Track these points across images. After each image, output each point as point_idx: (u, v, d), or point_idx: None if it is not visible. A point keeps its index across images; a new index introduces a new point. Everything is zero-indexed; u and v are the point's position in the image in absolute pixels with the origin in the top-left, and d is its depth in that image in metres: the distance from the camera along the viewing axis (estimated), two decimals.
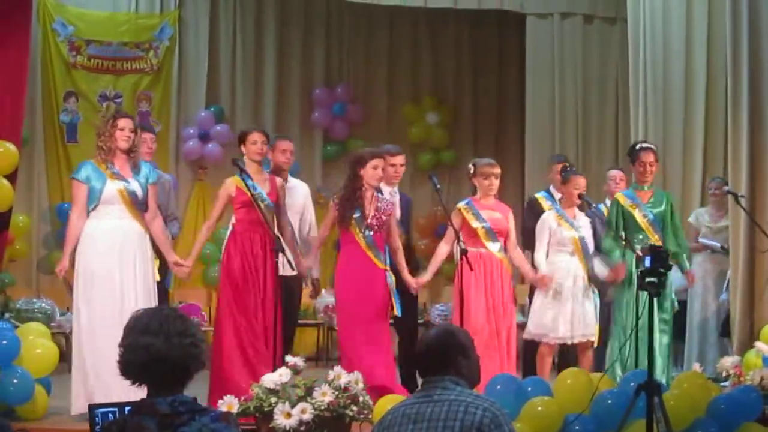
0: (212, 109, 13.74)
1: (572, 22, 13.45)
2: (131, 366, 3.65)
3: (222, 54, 13.96)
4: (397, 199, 9.31)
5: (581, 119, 13.37)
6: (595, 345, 9.11)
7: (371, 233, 8.43)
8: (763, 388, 8.00)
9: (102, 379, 7.70)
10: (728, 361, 8.71)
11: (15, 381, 7.96)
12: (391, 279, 8.48)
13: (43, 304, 11.62)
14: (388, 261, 8.53)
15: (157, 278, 8.48)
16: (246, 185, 8.33)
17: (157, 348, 3.60)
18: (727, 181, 10.30)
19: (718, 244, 10.69)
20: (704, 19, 11.00)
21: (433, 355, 4.27)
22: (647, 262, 6.19)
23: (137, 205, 8.05)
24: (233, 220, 8.59)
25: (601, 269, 9.20)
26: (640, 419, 6.13)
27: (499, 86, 15.13)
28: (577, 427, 6.81)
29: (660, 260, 6.16)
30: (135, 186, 8.04)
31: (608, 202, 9.89)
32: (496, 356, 8.63)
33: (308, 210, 9.33)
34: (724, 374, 8.65)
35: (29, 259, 12.88)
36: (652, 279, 6.15)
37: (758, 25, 10.13)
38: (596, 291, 9.12)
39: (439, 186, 9.38)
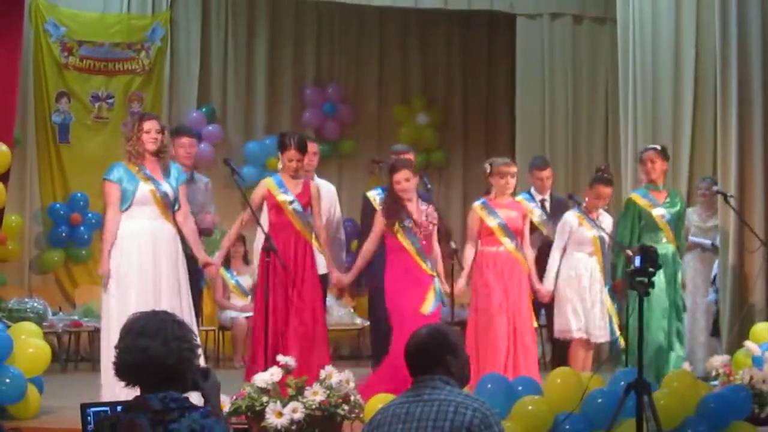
0: (203, 109, 13.75)
1: (562, 23, 13.46)
2: (127, 367, 3.68)
3: (213, 54, 13.96)
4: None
5: (571, 119, 13.39)
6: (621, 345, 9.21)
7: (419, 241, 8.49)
8: (752, 387, 8.04)
9: None
10: (718, 361, 8.73)
11: (7, 380, 7.96)
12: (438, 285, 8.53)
13: (35, 304, 11.61)
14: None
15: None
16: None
17: (155, 351, 3.63)
18: (717, 181, 10.35)
19: (709, 242, 10.74)
20: (693, 19, 11.03)
21: (423, 354, 4.26)
22: (637, 262, 6.22)
23: (169, 206, 8.06)
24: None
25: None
26: (630, 418, 6.16)
27: (489, 87, 15.15)
28: (567, 426, 6.84)
29: (650, 260, 6.19)
30: (166, 187, 8.04)
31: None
32: (512, 353, 8.65)
33: (335, 210, 9.36)
34: (713, 373, 8.68)
35: (21, 259, 12.87)
36: (642, 278, 6.18)
37: (747, 25, 10.18)
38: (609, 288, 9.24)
39: (430, 186, 9.42)
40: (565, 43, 13.43)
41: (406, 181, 8.47)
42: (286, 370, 7.48)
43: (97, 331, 11.76)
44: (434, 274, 8.51)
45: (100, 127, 13.26)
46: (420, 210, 8.54)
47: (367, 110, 14.79)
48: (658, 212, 9.29)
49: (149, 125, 8.02)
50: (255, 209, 8.48)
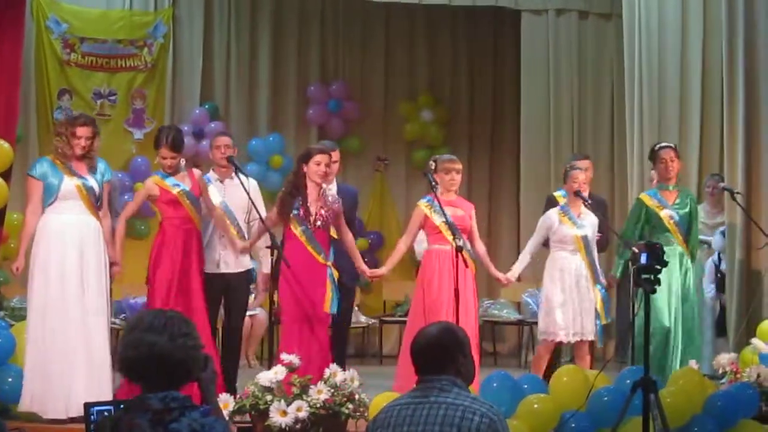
0: (206, 106, 13.71)
1: (567, 19, 13.43)
2: (131, 362, 3.65)
3: (216, 51, 13.92)
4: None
5: (576, 115, 13.36)
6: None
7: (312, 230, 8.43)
8: (759, 384, 8.01)
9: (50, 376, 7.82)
10: (725, 358, 8.70)
11: (9, 379, 7.96)
12: (331, 274, 8.47)
13: None
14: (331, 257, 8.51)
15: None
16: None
17: (162, 346, 3.61)
18: (724, 178, 10.31)
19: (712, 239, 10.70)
20: (700, 15, 10.99)
21: (434, 353, 4.22)
22: (643, 259, 6.18)
23: (94, 201, 8.10)
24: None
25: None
26: (637, 416, 6.13)
27: (494, 83, 15.10)
28: (573, 425, 6.82)
29: (656, 257, 6.15)
30: (92, 182, 8.10)
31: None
32: None
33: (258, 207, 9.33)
34: (720, 371, 8.64)
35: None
36: (648, 275, 6.14)
37: (754, 20, 10.14)
38: (602, 286, 9.17)
39: (434, 183, 9.37)
40: (571, 39, 13.41)
41: (316, 165, 8.44)
42: (291, 368, 7.45)
43: None
44: (328, 263, 8.45)
45: (103, 124, 13.14)
46: (321, 197, 8.51)
47: (372, 107, 14.74)
48: (666, 213, 9.24)
49: (82, 132, 8.08)
50: (134, 211, 8.79)
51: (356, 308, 12.95)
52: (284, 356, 7.57)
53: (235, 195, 8.93)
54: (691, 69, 11.03)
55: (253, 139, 13.84)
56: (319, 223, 8.38)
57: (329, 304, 8.36)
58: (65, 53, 13.01)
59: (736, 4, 10.17)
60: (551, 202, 9.85)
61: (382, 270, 9.02)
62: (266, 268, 8.85)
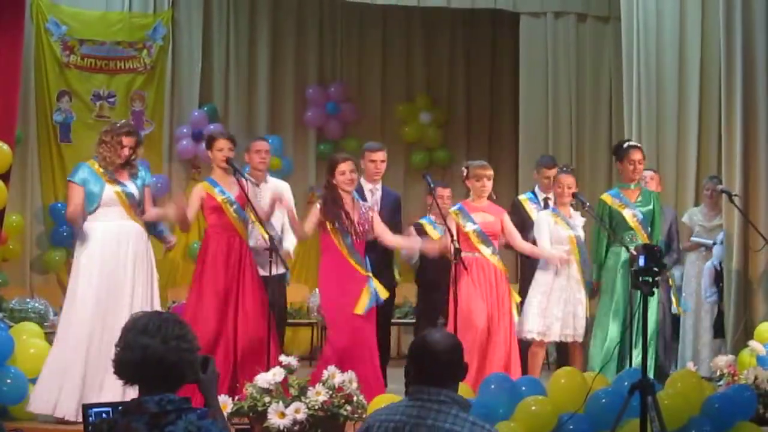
0: (205, 108, 13.71)
1: (565, 21, 13.43)
2: (126, 365, 3.66)
3: (215, 53, 13.93)
4: (378, 196, 9.36)
5: (575, 118, 13.36)
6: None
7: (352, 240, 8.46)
8: (757, 387, 8.01)
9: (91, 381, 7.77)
10: (722, 360, 8.71)
11: (8, 381, 7.95)
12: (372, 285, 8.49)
13: (37, 304, 11.60)
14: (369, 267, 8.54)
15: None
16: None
17: (154, 349, 3.61)
18: (722, 180, 10.32)
19: (711, 242, 10.69)
20: (698, 18, 11.00)
21: (441, 366, 4.03)
22: (641, 261, 6.18)
23: (135, 206, 8.14)
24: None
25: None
26: (634, 418, 6.13)
27: (492, 85, 15.12)
28: (571, 427, 6.81)
29: (654, 259, 6.15)
30: (132, 188, 8.14)
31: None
32: (494, 359, 8.64)
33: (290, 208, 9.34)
34: (718, 373, 8.65)
35: (22, 259, 12.85)
36: (646, 278, 6.14)
37: (752, 23, 10.14)
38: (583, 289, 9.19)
39: (433, 185, 9.40)
40: (569, 41, 13.40)
41: (341, 174, 8.48)
42: (289, 370, 7.46)
43: None
44: (369, 274, 8.47)
45: (102, 126, 13.14)
46: (356, 206, 8.56)
47: (370, 109, 14.75)
48: (628, 212, 9.20)
49: (128, 141, 8.12)
50: (192, 217, 8.69)
51: None
52: (282, 358, 7.57)
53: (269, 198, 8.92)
54: (688, 71, 11.04)
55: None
56: (359, 233, 8.45)
57: (362, 306, 8.36)
58: (64, 55, 13.02)
59: (734, 7, 10.17)
60: (516, 206, 9.97)
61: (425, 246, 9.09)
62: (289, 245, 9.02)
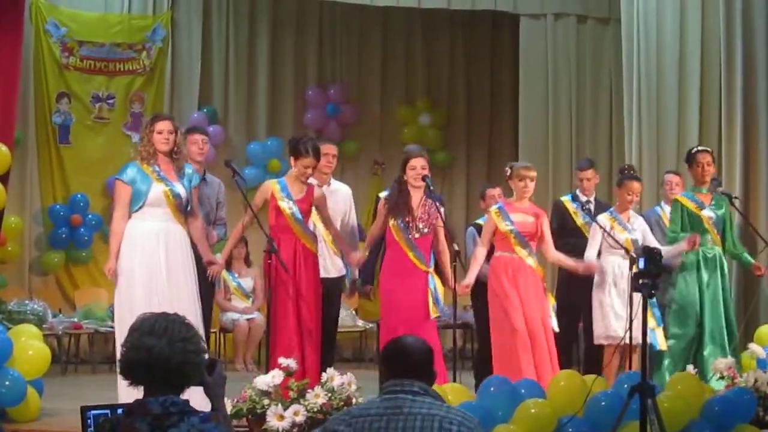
0: (205, 110, 13.71)
1: (565, 23, 13.42)
2: (131, 365, 3.66)
3: (215, 55, 13.93)
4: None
5: (575, 120, 13.35)
6: None
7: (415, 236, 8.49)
8: (757, 389, 8.00)
9: None
10: (722, 363, 8.69)
11: (7, 383, 7.93)
12: (432, 281, 8.50)
13: (36, 306, 11.58)
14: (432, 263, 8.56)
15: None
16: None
17: (159, 350, 3.61)
18: (722, 183, 10.31)
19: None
20: (698, 20, 10.99)
21: (412, 363, 4.14)
22: (641, 264, 6.18)
23: (181, 208, 7.98)
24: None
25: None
26: (634, 421, 6.13)
27: (492, 87, 15.12)
28: (570, 430, 6.80)
29: (654, 262, 6.15)
30: (180, 188, 7.96)
31: (664, 204, 10.22)
32: (532, 360, 8.61)
33: (351, 214, 9.31)
34: (718, 376, 8.64)
35: (21, 261, 12.84)
36: (645, 280, 6.15)
37: (752, 25, 10.15)
38: None
39: (432, 187, 9.37)
40: (569, 43, 13.39)
41: (419, 168, 8.54)
42: (288, 372, 7.45)
43: (98, 333, 11.84)
44: (430, 270, 8.49)
45: (101, 128, 13.23)
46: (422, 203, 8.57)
47: (369, 111, 14.75)
48: (706, 214, 9.29)
49: (161, 126, 7.95)
50: (256, 211, 8.40)
51: (353, 312, 12.97)
52: (281, 360, 7.56)
53: (334, 201, 8.89)
54: (689, 73, 11.03)
55: (251, 143, 13.86)
56: (422, 230, 8.46)
57: (432, 308, 8.40)
58: (64, 57, 13.01)
59: (734, 9, 10.18)
60: (558, 206, 9.97)
61: (468, 280, 8.78)
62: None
